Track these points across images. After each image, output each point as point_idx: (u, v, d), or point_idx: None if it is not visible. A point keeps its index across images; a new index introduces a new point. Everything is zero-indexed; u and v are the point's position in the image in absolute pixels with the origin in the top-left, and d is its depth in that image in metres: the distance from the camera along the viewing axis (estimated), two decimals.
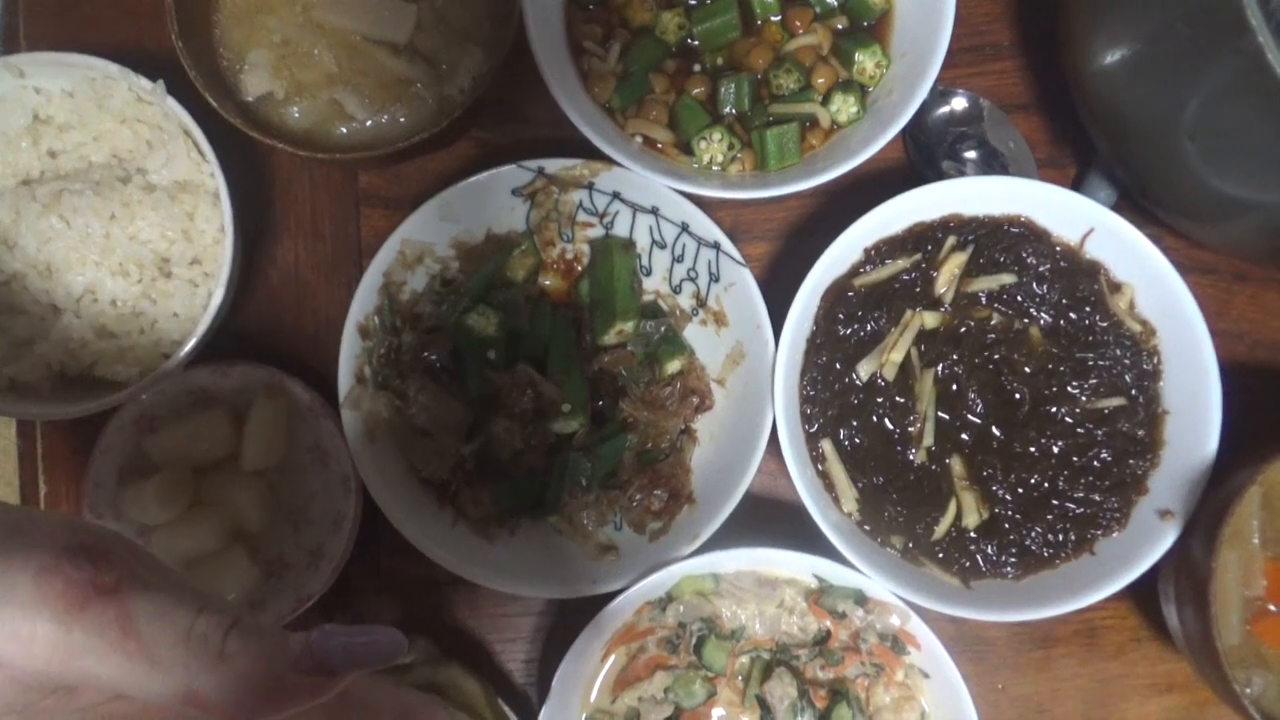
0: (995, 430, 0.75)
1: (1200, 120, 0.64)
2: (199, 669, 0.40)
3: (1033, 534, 0.74)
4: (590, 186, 0.79)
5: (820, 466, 0.75)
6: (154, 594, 0.40)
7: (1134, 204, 0.79)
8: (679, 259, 0.81)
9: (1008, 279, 0.76)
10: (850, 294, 0.76)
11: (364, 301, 0.77)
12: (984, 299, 0.76)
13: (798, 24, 0.81)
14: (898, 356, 0.75)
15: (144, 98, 0.77)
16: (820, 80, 0.81)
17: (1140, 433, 0.75)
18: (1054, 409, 0.75)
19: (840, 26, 0.82)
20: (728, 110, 0.80)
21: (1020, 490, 0.74)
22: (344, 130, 0.79)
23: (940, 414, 0.75)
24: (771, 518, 0.80)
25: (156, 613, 0.40)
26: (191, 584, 0.43)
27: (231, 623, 0.41)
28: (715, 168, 0.80)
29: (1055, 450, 0.75)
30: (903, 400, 0.75)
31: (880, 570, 0.72)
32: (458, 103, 0.78)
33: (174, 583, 0.42)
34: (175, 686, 0.40)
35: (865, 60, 0.80)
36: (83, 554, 0.40)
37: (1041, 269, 0.76)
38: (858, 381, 0.75)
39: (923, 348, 0.75)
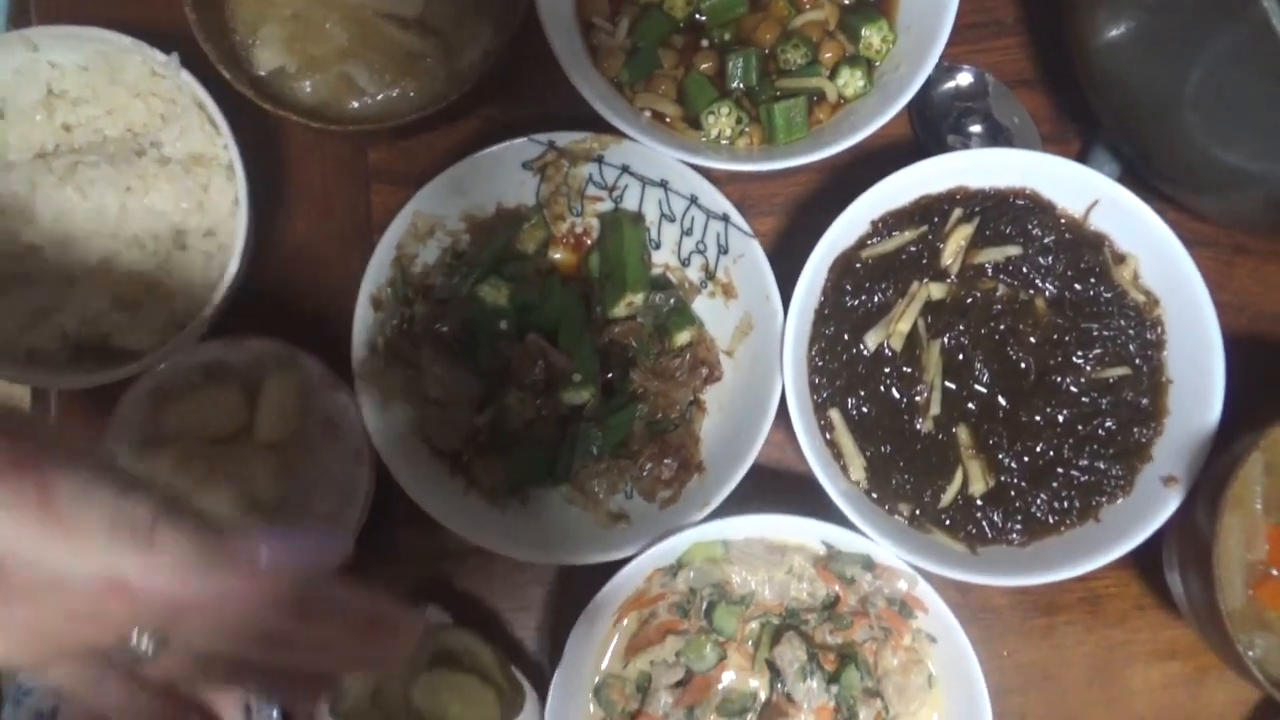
0: (1001, 400, 0.76)
1: (1204, 90, 0.65)
2: (123, 552, 0.38)
3: (1038, 501, 0.75)
4: (600, 160, 0.80)
5: (828, 435, 0.76)
6: (77, 474, 0.39)
7: (1137, 178, 0.80)
8: (688, 231, 0.81)
9: (1013, 251, 0.77)
10: (858, 265, 0.77)
11: (377, 273, 0.78)
12: (990, 270, 0.77)
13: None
14: (905, 327, 0.75)
15: (158, 71, 0.77)
16: (827, 55, 0.81)
17: (1144, 401, 0.76)
18: (1059, 378, 0.76)
19: (847, 2, 0.83)
20: (735, 85, 0.81)
21: (1026, 458, 0.75)
22: (355, 104, 0.80)
23: (947, 384, 0.76)
24: (780, 488, 0.81)
25: (79, 490, 0.39)
26: (122, 469, 0.41)
27: (162, 506, 0.39)
28: (723, 141, 0.81)
29: (1060, 419, 0.75)
30: (910, 370, 0.76)
31: (888, 537, 0.72)
32: (468, 77, 0.78)
33: (100, 466, 0.40)
34: (97, 568, 0.38)
35: (872, 35, 0.81)
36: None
37: (1047, 241, 0.77)
38: (865, 352, 0.76)
39: (929, 319, 0.76)
